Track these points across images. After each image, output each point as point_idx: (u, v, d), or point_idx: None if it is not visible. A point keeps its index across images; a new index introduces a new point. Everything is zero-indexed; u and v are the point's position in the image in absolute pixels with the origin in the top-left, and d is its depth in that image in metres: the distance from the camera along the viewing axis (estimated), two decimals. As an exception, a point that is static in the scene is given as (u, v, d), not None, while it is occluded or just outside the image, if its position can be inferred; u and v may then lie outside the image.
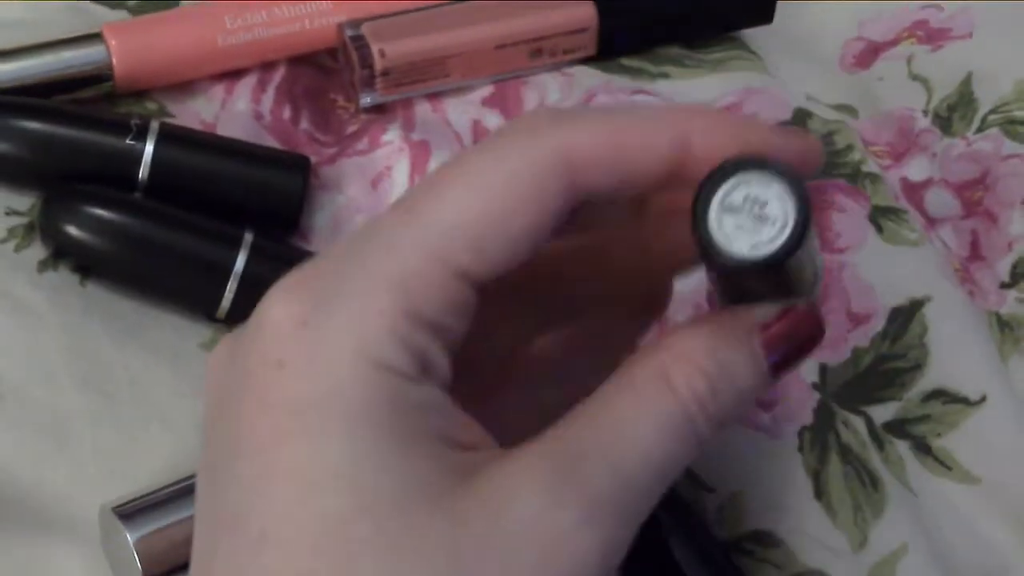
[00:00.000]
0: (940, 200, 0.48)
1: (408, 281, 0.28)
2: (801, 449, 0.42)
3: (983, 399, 0.43)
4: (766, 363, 0.31)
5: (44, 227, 0.41)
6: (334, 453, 0.27)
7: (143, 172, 0.42)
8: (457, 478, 0.28)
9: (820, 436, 0.42)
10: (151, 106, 0.46)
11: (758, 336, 0.31)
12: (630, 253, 0.34)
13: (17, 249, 0.42)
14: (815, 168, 0.31)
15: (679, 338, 0.30)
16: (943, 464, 0.43)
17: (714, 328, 0.30)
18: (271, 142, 0.46)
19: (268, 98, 0.47)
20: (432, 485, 0.27)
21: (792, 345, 0.31)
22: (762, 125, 0.31)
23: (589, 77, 0.48)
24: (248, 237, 0.42)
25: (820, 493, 0.41)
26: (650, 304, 0.36)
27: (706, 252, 0.29)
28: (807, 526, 0.41)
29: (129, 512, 0.37)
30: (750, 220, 0.29)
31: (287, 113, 0.47)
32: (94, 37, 0.45)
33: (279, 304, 0.28)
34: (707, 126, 0.30)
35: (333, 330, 0.28)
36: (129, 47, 0.45)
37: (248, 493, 0.28)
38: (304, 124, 0.47)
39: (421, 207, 0.29)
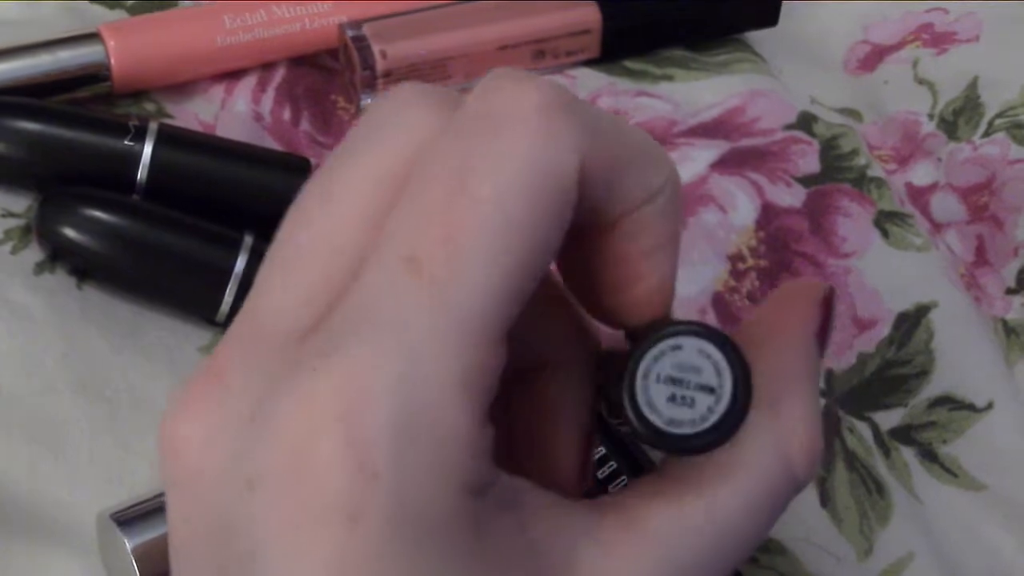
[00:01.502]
0: (946, 205, 0.48)
1: (469, 379, 0.24)
2: (807, 456, 0.41)
3: (989, 405, 0.43)
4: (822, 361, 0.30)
5: (41, 229, 0.41)
6: None
7: (141, 174, 0.42)
8: (552, 570, 0.26)
9: (826, 442, 0.42)
10: (149, 107, 0.46)
11: (818, 345, 0.29)
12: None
13: (13, 251, 0.42)
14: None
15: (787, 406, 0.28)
16: (949, 471, 0.42)
17: (793, 366, 0.28)
18: (271, 143, 0.45)
19: (268, 99, 0.46)
20: None
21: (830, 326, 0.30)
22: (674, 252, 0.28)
23: (592, 79, 0.48)
24: (248, 240, 0.41)
25: (826, 500, 0.41)
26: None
27: (640, 433, 0.26)
28: (812, 534, 0.40)
29: (127, 519, 0.36)
30: (686, 391, 0.26)
31: (287, 114, 0.46)
32: (91, 37, 0.45)
33: (325, 444, 0.24)
34: (661, 204, 0.27)
35: (411, 476, 0.24)
36: (127, 47, 0.45)
37: None
38: (304, 125, 0.46)
39: (445, 277, 0.24)
